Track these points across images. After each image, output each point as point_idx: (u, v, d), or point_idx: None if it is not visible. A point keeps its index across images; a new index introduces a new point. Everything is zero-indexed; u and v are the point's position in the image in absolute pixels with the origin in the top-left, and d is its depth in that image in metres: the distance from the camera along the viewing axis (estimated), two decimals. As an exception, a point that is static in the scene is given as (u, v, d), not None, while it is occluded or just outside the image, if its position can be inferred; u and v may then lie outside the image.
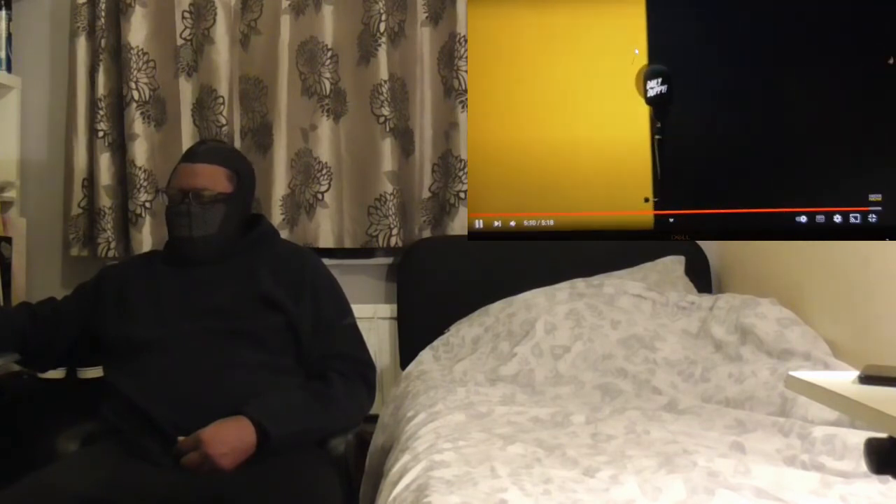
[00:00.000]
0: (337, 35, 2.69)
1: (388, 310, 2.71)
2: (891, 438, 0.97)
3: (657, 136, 1.29)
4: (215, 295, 1.90)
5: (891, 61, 1.14)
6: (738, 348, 2.09)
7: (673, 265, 2.59)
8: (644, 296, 2.35)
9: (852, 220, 1.17)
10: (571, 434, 1.68)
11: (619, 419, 1.76)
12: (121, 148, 2.67)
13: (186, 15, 2.67)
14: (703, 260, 2.70)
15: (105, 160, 2.65)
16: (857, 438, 1.50)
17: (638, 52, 1.29)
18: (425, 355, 2.34)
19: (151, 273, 1.97)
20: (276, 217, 2.61)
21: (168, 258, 2.00)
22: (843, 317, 2.10)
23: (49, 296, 2.07)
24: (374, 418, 2.14)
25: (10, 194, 2.65)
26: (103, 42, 2.66)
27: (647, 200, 1.29)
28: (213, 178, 1.93)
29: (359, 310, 2.09)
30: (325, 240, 2.68)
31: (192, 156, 1.98)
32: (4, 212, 2.63)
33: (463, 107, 2.62)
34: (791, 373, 1.20)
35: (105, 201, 2.64)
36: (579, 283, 2.44)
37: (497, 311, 2.39)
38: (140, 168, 2.63)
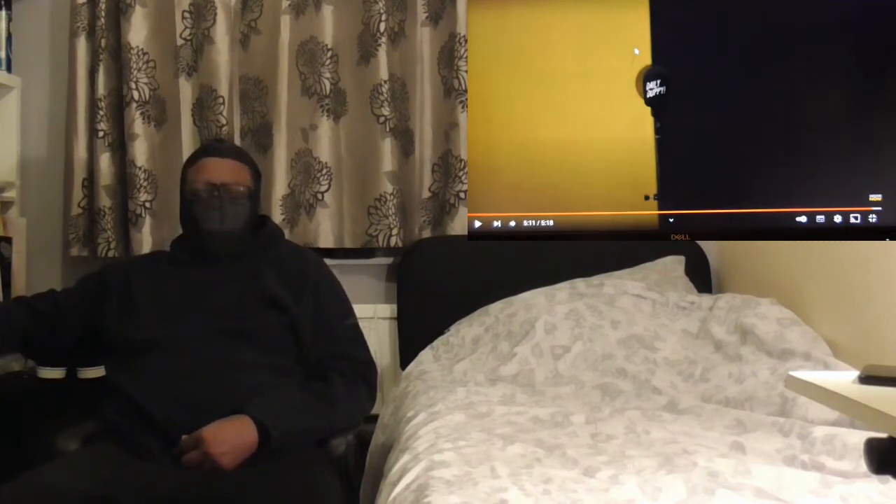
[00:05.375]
0: (337, 35, 2.69)
1: (388, 310, 2.71)
2: (891, 438, 0.97)
3: (657, 137, 1.29)
4: (219, 295, 1.90)
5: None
6: (738, 348, 2.09)
7: (673, 265, 2.59)
8: (644, 296, 2.35)
9: (852, 220, 1.17)
10: (571, 434, 1.68)
11: (619, 419, 1.76)
12: (121, 148, 2.67)
13: (186, 15, 2.67)
14: (703, 260, 2.70)
15: (105, 160, 2.65)
16: (857, 438, 1.50)
17: (638, 52, 1.29)
18: (425, 355, 2.34)
19: (156, 272, 1.97)
20: (276, 217, 2.61)
21: (175, 257, 2.00)
22: (843, 317, 2.10)
23: (49, 295, 2.08)
24: (375, 418, 2.14)
25: (10, 194, 2.64)
26: (103, 42, 2.66)
27: (647, 199, 1.29)
28: (241, 174, 1.96)
29: (359, 310, 2.09)
30: (325, 240, 2.68)
31: (217, 151, 2.00)
32: (4, 212, 2.63)
33: (463, 107, 2.62)
34: (791, 373, 1.20)
35: (105, 201, 2.64)
36: (579, 283, 2.44)
37: (497, 311, 2.39)
38: (140, 168, 2.63)
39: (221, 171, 1.94)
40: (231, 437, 1.70)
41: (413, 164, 2.71)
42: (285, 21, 2.66)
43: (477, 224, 1.37)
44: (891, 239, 1.16)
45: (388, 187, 2.63)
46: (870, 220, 1.16)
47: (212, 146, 2.07)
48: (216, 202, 1.91)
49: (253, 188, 1.98)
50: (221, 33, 2.67)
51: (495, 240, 1.36)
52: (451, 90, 2.66)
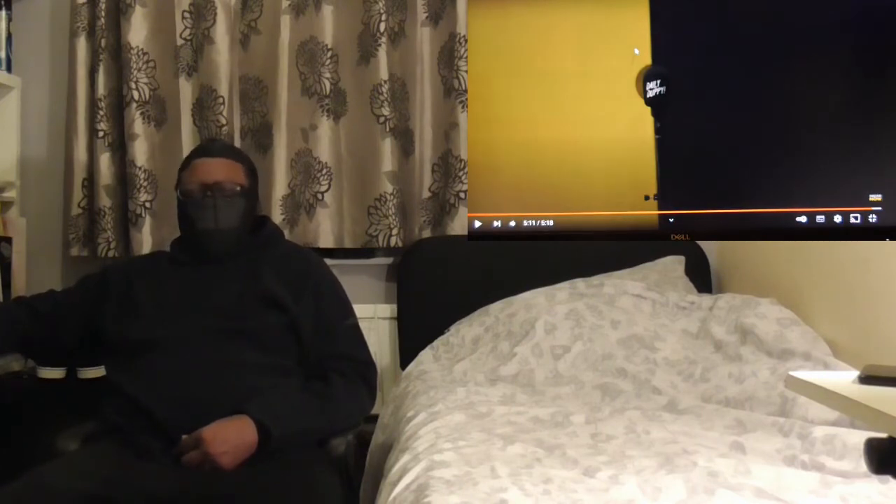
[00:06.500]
0: (337, 35, 2.69)
1: (388, 310, 2.71)
2: (891, 438, 0.97)
3: (657, 137, 1.29)
4: (219, 295, 1.90)
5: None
6: (738, 348, 2.09)
7: (673, 265, 2.59)
8: (644, 296, 2.35)
9: (852, 220, 1.17)
10: (571, 434, 1.68)
11: (619, 419, 1.76)
12: (121, 148, 2.67)
13: (186, 15, 2.67)
14: (703, 260, 2.70)
15: (105, 160, 2.65)
16: (857, 438, 1.50)
17: (638, 52, 1.29)
18: (425, 355, 2.34)
19: (156, 273, 1.97)
20: (276, 217, 2.61)
21: (175, 257, 2.00)
22: (843, 317, 2.10)
23: (48, 295, 2.08)
24: (375, 418, 2.14)
25: (10, 194, 2.65)
26: (103, 42, 2.66)
27: (647, 199, 1.29)
28: (234, 172, 1.96)
29: (359, 310, 2.09)
30: (325, 240, 2.68)
31: (208, 151, 2.01)
32: (4, 212, 2.63)
33: (463, 107, 2.62)
34: (791, 373, 1.20)
35: (105, 201, 2.64)
36: (579, 283, 2.44)
37: (497, 311, 2.39)
38: (140, 168, 2.63)
39: (214, 170, 1.94)
40: (231, 437, 1.70)
41: (413, 164, 2.71)
42: (285, 21, 2.66)
43: (477, 224, 1.37)
44: (891, 239, 1.16)
45: (388, 187, 2.63)
46: (870, 220, 1.16)
47: (204, 147, 2.08)
48: (209, 202, 1.91)
49: (247, 186, 1.98)
50: (221, 33, 2.67)
51: (495, 240, 1.37)
52: (451, 90, 2.66)
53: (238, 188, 1.95)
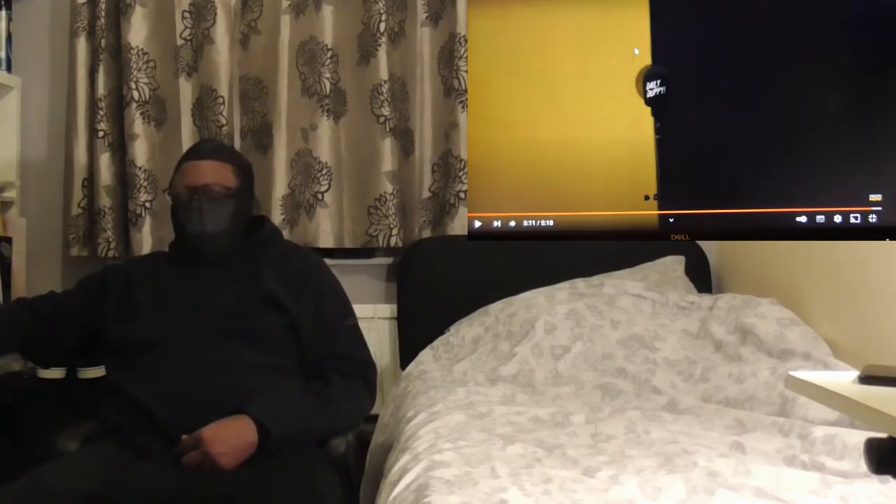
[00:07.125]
0: (337, 35, 2.69)
1: (388, 310, 2.71)
2: (891, 438, 0.97)
3: (657, 137, 1.29)
4: (219, 295, 1.90)
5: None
6: (738, 348, 2.09)
7: (673, 265, 2.59)
8: (644, 296, 2.35)
9: (852, 220, 1.17)
10: (571, 434, 1.68)
11: (619, 419, 1.76)
12: (121, 148, 2.67)
13: (186, 15, 2.67)
14: (703, 260, 2.70)
15: (105, 160, 2.65)
16: (857, 438, 1.50)
17: (638, 52, 1.29)
18: (425, 355, 2.34)
19: (156, 273, 1.97)
20: (276, 217, 2.61)
21: (173, 258, 2.00)
22: (843, 317, 2.10)
23: (49, 296, 2.08)
24: (375, 418, 2.14)
25: (10, 194, 2.65)
26: (103, 42, 2.66)
27: (647, 199, 1.29)
28: (221, 174, 1.95)
29: (359, 310, 2.09)
30: (325, 240, 2.68)
31: (197, 153, 2.00)
32: (4, 212, 2.63)
33: (463, 107, 2.62)
34: (791, 373, 1.20)
35: (105, 201, 2.64)
36: (579, 283, 2.44)
37: (497, 311, 2.39)
38: (140, 168, 2.63)
39: (201, 173, 1.93)
40: (231, 437, 1.70)
41: (413, 164, 2.71)
42: (285, 21, 2.66)
43: (477, 224, 1.37)
44: (891, 239, 1.16)
45: (388, 187, 2.63)
46: (870, 220, 1.16)
47: (193, 149, 2.06)
48: (196, 205, 1.91)
49: (237, 187, 1.96)
50: (221, 33, 2.67)
51: (495, 240, 1.37)
52: (451, 90, 2.66)
53: (225, 190, 1.94)
